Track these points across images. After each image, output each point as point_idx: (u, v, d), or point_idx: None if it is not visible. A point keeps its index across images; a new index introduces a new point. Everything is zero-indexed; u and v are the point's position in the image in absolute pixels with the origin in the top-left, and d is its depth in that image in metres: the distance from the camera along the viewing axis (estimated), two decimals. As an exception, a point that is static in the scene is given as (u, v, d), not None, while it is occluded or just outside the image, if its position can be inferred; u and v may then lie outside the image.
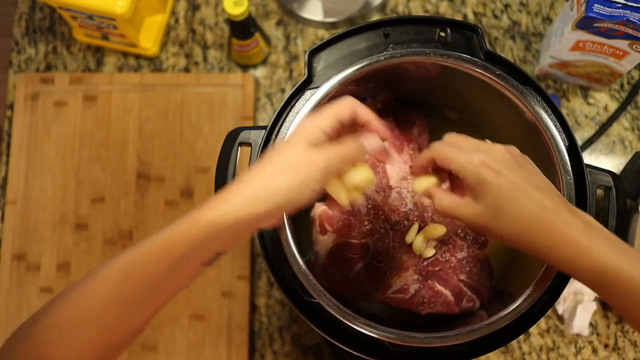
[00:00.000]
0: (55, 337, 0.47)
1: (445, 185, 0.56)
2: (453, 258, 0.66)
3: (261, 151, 0.62)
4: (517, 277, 0.69)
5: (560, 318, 0.83)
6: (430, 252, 0.67)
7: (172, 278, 0.48)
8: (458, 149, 0.51)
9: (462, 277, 0.66)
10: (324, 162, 0.49)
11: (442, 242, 0.67)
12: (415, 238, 0.66)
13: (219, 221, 0.47)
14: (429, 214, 0.68)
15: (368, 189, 0.65)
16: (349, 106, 0.52)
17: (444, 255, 0.66)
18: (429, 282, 0.66)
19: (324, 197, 0.69)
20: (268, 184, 0.48)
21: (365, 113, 0.53)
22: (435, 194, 0.53)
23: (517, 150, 0.52)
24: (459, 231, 0.68)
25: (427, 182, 0.55)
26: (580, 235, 0.47)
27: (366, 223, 0.66)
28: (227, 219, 0.47)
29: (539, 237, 0.48)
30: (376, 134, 0.54)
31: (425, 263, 0.67)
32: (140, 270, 0.47)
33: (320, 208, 0.67)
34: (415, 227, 0.67)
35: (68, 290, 0.49)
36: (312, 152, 0.49)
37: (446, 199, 0.52)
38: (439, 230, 0.66)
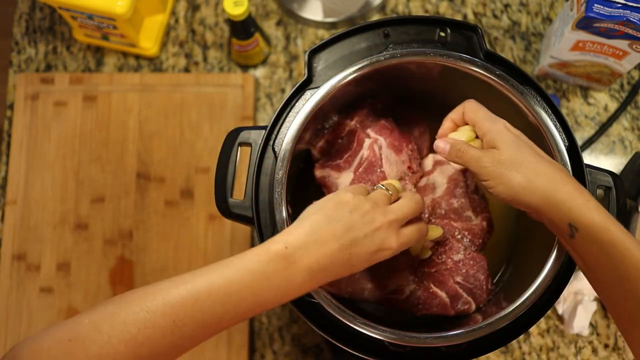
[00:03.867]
0: None
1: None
2: (449, 260, 0.66)
3: (261, 151, 0.62)
4: (514, 280, 0.69)
5: (560, 318, 0.83)
6: (426, 253, 0.66)
7: None
8: (488, 112, 0.58)
9: (458, 279, 0.65)
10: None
11: (438, 244, 0.67)
12: None
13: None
14: (427, 216, 0.68)
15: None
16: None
17: (440, 257, 0.66)
18: (425, 283, 0.66)
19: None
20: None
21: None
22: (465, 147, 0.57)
23: None
24: (456, 233, 0.68)
25: (466, 131, 0.59)
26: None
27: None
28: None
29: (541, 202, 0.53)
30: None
31: (421, 264, 0.67)
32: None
33: None
34: None
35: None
36: None
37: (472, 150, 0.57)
38: (436, 231, 0.66)
